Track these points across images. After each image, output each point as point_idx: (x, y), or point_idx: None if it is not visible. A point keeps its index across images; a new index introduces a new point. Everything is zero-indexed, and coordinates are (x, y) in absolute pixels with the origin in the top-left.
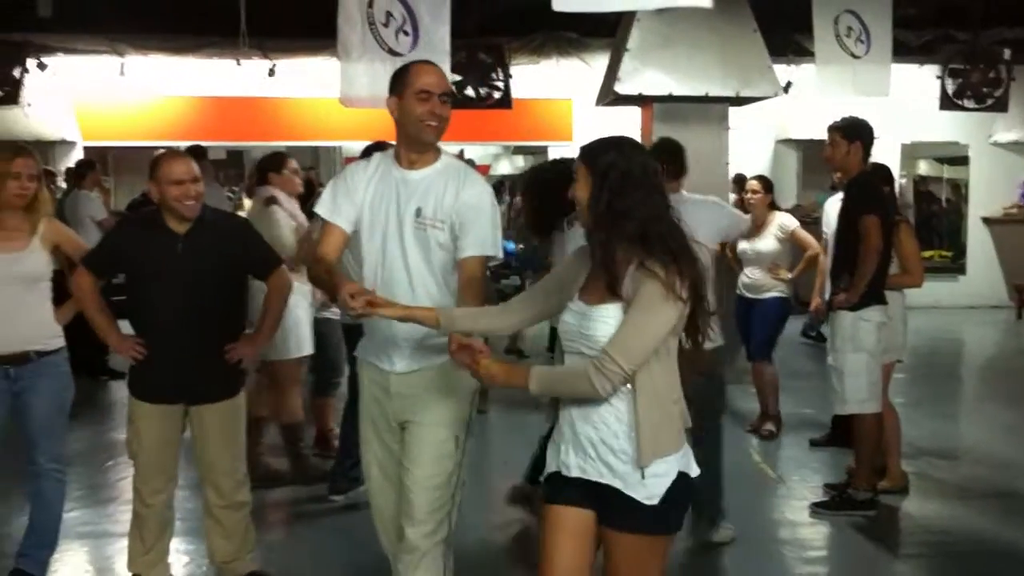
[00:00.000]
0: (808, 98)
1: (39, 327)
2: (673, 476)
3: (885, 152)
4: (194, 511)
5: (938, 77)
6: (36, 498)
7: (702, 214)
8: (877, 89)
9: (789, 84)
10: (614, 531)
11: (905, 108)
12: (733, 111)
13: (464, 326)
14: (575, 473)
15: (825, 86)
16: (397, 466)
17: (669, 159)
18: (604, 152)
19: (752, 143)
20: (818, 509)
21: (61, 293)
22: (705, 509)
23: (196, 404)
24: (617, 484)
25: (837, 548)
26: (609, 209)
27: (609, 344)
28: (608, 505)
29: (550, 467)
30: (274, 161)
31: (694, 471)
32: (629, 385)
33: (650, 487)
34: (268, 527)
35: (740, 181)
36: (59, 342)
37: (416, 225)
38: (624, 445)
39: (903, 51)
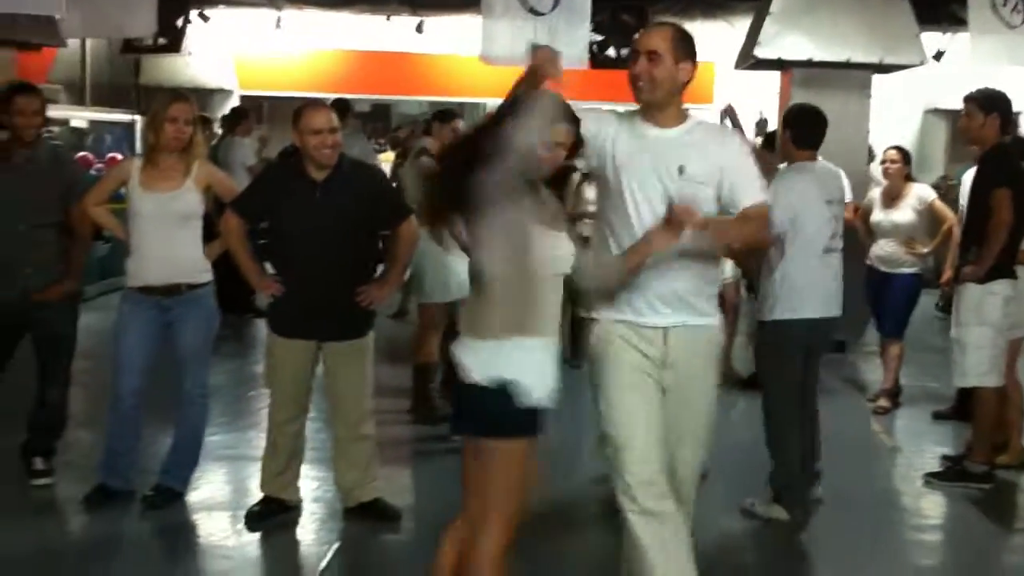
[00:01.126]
0: (960, 67)
1: (190, 262)
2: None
3: None
4: (324, 441)
5: None
6: (182, 420)
7: (839, 180)
8: None
9: (941, 53)
10: None
11: None
12: (882, 79)
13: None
14: None
15: (978, 56)
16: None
17: (794, 126)
18: None
19: (900, 112)
20: (932, 479)
21: (209, 232)
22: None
23: (328, 341)
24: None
25: (949, 518)
26: None
27: None
28: None
29: None
30: (441, 115)
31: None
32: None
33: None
34: (392, 461)
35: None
36: (208, 276)
37: (680, 182)
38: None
39: None
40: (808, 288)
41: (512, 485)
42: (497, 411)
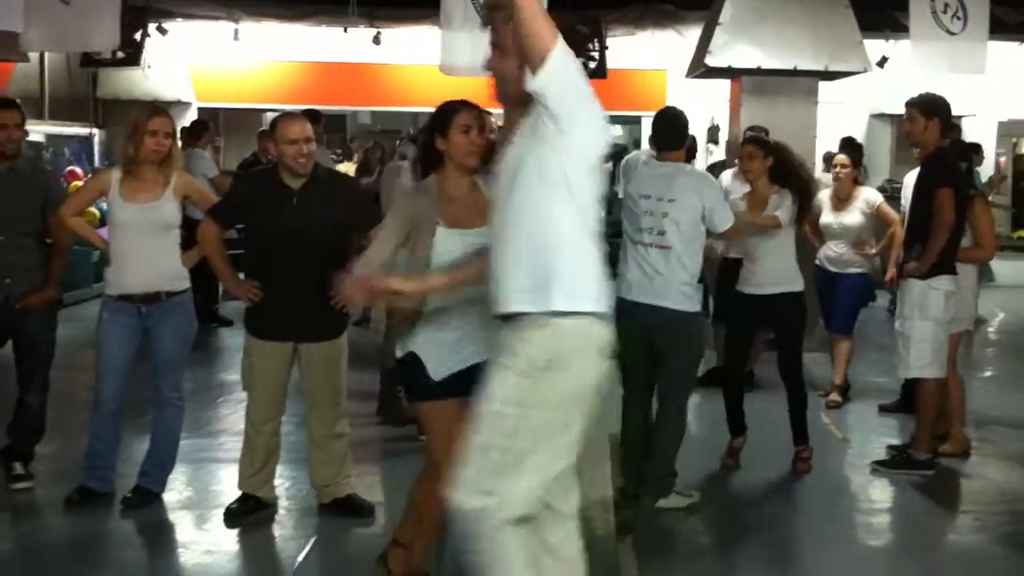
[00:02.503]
0: (904, 73)
1: (169, 270)
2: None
3: (981, 129)
4: (297, 443)
5: None
6: (158, 423)
7: (688, 179)
8: (973, 67)
9: (885, 59)
10: None
11: (1003, 86)
12: (829, 85)
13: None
14: None
15: (919, 63)
16: None
17: (657, 128)
18: None
19: (846, 118)
20: (878, 467)
21: (187, 240)
22: (658, 479)
23: (304, 343)
24: None
25: (895, 502)
26: None
27: None
28: None
29: None
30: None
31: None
32: None
33: None
34: (362, 460)
35: (828, 159)
36: (186, 284)
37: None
38: None
39: (1002, 29)
40: (623, 270)
41: None
42: None
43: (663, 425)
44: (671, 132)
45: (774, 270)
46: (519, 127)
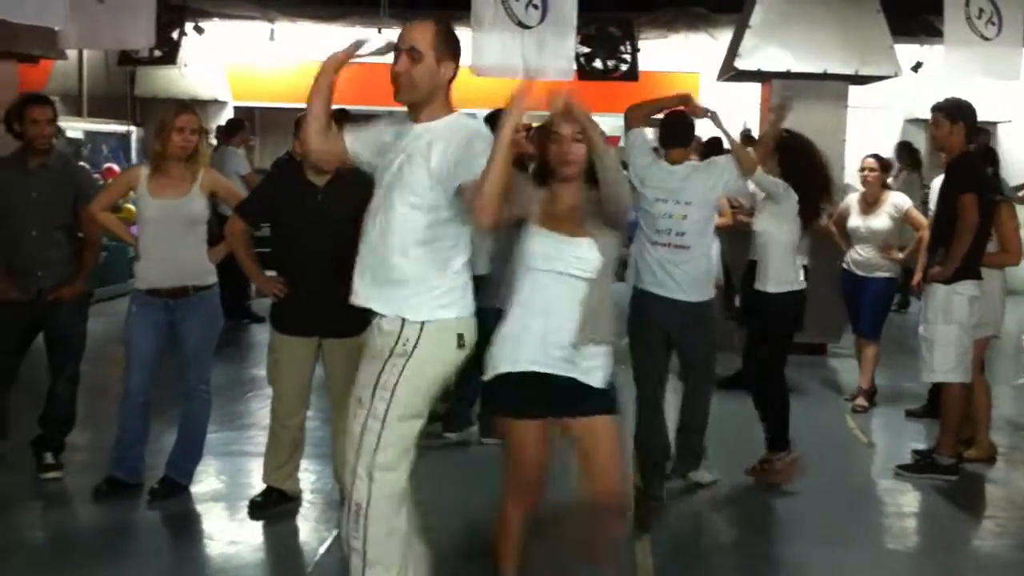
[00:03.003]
0: (940, 78)
1: (197, 265)
2: None
3: (1017, 135)
4: (323, 438)
5: None
6: (186, 415)
7: (700, 177)
8: (1007, 72)
9: (919, 64)
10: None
11: None
12: (866, 90)
13: None
14: None
15: (952, 67)
16: None
17: (665, 128)
18: None
19: (883, 122)
20: (902, 471)
21: (213, 237)
22: (689, 452)
23: (328, 338)
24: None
25: (918, 506)
26: None
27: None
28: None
29: None
30: None
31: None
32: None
33: None
34: None
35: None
36: (213, 279)
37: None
38: None
39: None
40: (641, 265)
41: None
42: None
43: (692, 408)
44: (682, 130)
45: (763, 269)
46: (410, 133)
